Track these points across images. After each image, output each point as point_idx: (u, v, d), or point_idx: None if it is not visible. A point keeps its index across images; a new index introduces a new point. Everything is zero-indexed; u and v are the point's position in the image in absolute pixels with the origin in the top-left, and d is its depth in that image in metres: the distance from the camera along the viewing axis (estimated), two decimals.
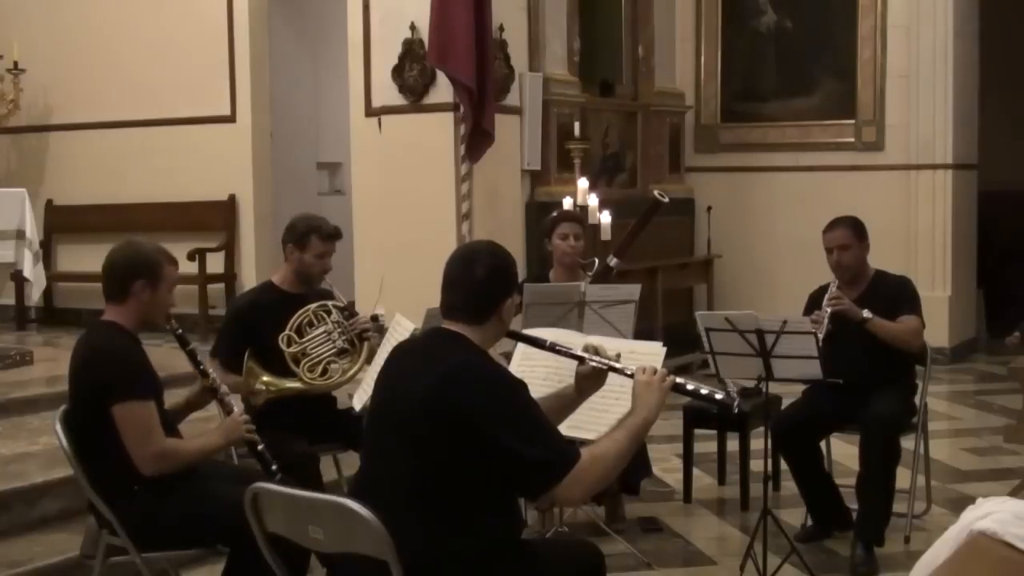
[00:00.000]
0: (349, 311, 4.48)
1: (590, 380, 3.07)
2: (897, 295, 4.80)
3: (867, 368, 4.61)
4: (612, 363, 3.00)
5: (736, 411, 2.98)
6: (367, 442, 2.91)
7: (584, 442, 3.88)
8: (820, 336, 4.39)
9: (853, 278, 4.81)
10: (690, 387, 2.94)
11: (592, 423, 3.71)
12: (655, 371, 2.90)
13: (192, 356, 3.73)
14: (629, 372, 2.94)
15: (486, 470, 2.65)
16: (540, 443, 2.68)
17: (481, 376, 2.72)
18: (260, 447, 3.68)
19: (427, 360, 2.79)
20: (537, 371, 3.61)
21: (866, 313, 4.62)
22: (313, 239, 4.48)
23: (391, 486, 2.69)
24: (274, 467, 3.68)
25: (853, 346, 4.56)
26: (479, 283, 2.84)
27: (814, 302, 4.83)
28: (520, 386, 2.77)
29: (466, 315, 2.84)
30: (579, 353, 3.04)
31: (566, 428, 3.86)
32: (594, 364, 3.01)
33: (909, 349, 4.72)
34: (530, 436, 2.67)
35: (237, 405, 3.78)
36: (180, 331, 3.71)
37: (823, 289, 4.83)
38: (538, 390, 3.63)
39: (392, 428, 2.76)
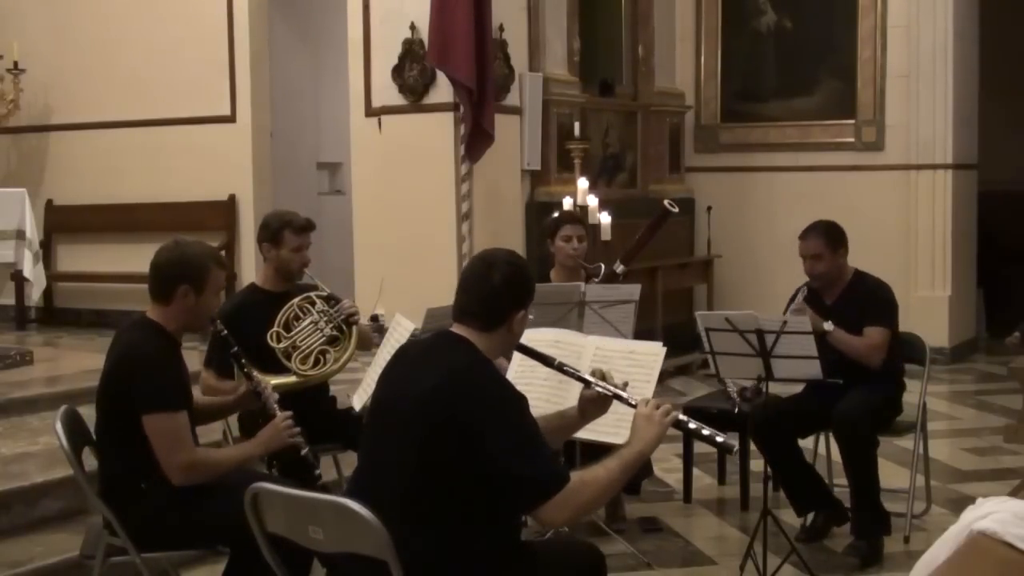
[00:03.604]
0: (333, 299, 4.48)
1: (594, 405, 3.06)
2: (871, 303, 4.73)
3: (844, 368, 4.54)
4: (618, 391, 2.99)
5: (734, 454, 2.96)
6: (365, 441, 2.90)
7: (591, 443, 3.89)
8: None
9: (830, 283, 4.79)
10: (692, 426, 2.90)
11: (593, 424, 3.71)
12: (658, 406, 2.87)
13: (236, 358, 3.73)
14: (633, 403, 2.92)
15: (478, 478, 2.64)
16: (533, 460, 2.66)
17: (483, 384, 2.71)
18: (304, 451, 3.66)
19: (429, 362, 2.78)
20: (538, 371, 3.60)
21: (827, 326, 4.58)
22: (286, 234, 4.48)
23: (389, 486, 2.68)
24: (318, 472, 3.67)
25: (830, 347, 4.54)
26: (493, 290, 2.82)
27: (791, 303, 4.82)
28: (521, 400, 2.75)
29: (476, 321, 2.83)
30: (586, 377, 3.03)
31: None
32: (599, 390, 3.00)
33: (864, 363, 4.63)
34: (524, 451, 2.65)
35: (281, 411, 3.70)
36: (225, 332, 3.70)
37: (799, 291, 4.83)
38: (538, 390, 3.64)
39: (391, 428, 2.75)
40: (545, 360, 3.11)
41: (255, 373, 3.76)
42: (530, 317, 2.97)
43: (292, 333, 4.36)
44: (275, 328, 4.33)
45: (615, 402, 3.03)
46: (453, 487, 2.65)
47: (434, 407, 2.64)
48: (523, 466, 2.63)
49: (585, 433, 3.83)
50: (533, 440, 2.69)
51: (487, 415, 2.64)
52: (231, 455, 3.58)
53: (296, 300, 4.42)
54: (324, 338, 4.38)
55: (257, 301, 4.49)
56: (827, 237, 4.76)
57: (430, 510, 2.65)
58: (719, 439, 2.91)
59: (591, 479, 2.73)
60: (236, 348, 3.74)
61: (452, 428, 2.62)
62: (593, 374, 3.05)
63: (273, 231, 4.49)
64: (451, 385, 2.67)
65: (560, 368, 3.06)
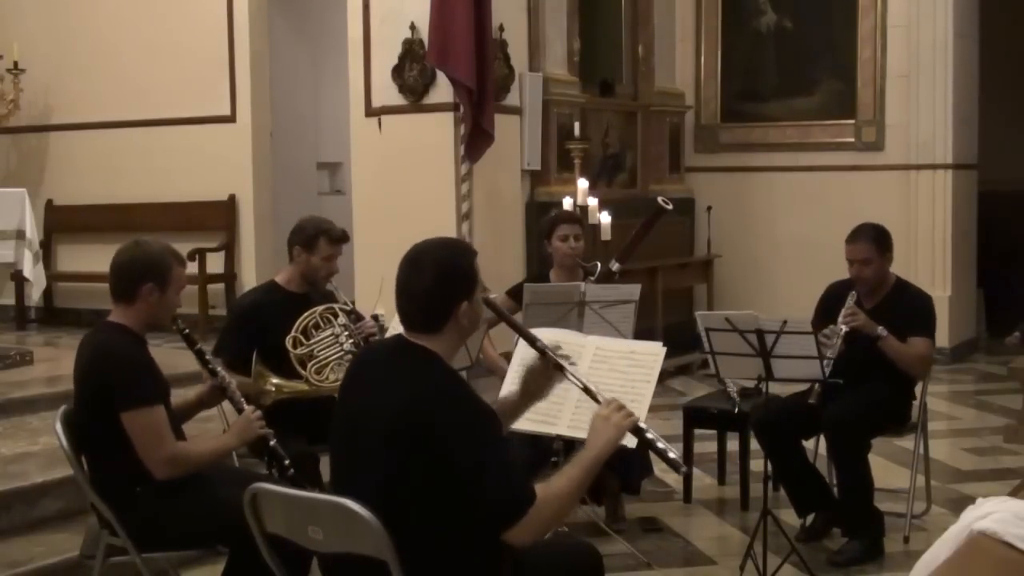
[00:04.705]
0: (356, 314, 4.50)
1: (542, 379, 3.00)
2: (914, 313, 4.73)
3: (864, 371, 4.54)
4: (586, 384, 2.91)
5: (682, 475, 2.88)
6: (336, 450, 2.82)
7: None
8: (831, 355, 4.36)
9: (872, 289, 4.76)
10: (649, 435, 2.80)
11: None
12: (620, 407, 2.77)
13: (200, 355, 3.73)
14: (599, 399, 2.85)
15: (450, 493, 2.58)
16: (498, 484, 2.58)
17: (455, 405, 2.61)
18: (272, 443, 3.66)
19: (395, 377, 2.68)
20: None
21: (881, 330, 4.57)
22: (322, 242, 4.51)
23: (370, 492, 2.61)
24: (287, 462, 3.66)
25: (853, 348, 4.53)
26: (426, 291, 2.68)
27: (828, 302, 4.79)
28: (493, 418, 2.68)
29: (420, 326, 2.71)
30: (564, 364, 2.93)
31: (566, 429, 3.87)
32: (570, 378, 2.92)
33: (911, 373, 4.66)
34: (490, 474, 2.56)
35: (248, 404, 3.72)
36: (187, 331, 3.71)
37: (839, 286, 4.79)
38: None
39: (359, 441, 2.67)
40: (529, 339, 3.01)
41: (219, 369, 3.76)
42: (492, 294, 2.90)
43: (311, 341, 4.37)
44: (295, 333, 4.34)
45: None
46: (434, 497, 2.59)
47: (404, 429, 2.56)
48: (488, 491, 2.56)
49: (585, 433, 3.83)
50: (501, 462, 2.61)
51: (456, 434, 2.55)
52: (210, 447, 3.60)
53: (319, 309, 4.43)
54: (342, 352, 4.39)
55: (276, 300, 4.53)
56: (877, 242, 4.73)
57: (419, 514, 2.60)
58: (671, 455, 2.79)
59: (555, 493, 2.65)
60: (199, 346, 3.76)
61: (423, 445, 2.55)
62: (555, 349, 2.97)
63: (308, 236, 4.51)
64: (421, 402, 2.58)
65: (542, 351, 2.96)
